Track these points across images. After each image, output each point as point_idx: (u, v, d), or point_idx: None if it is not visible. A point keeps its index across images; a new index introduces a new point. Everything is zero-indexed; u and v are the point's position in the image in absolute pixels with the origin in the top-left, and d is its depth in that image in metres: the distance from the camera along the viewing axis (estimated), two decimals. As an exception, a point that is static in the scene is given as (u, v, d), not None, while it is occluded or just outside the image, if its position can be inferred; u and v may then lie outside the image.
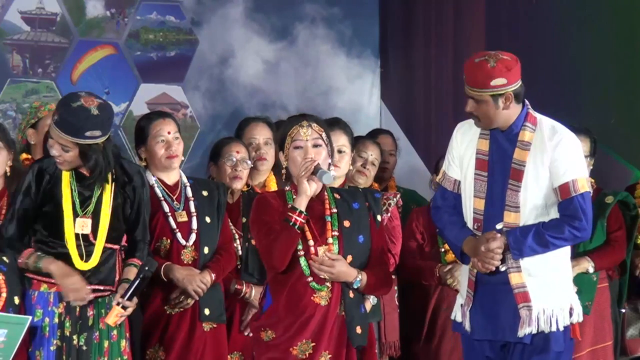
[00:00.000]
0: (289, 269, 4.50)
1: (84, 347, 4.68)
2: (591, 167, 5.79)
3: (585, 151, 5.69)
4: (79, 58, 7.77)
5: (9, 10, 7.61)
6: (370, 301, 5.30)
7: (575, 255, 5.66)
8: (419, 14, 8.19)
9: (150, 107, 7.72)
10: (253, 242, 5.20)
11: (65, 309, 4.66)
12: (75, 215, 4.68)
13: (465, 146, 4.76)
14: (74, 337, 4.67)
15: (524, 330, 4.59)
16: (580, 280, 5.65)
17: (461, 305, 4.78)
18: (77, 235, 4.68)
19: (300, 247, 4.52)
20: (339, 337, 4.53)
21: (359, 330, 4.57)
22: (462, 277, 4.87)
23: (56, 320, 4.64)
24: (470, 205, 4.70)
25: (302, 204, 4.49)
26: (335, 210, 4.61)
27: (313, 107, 8.12)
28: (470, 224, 4.71)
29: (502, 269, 4.61)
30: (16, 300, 4.58)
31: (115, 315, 4.70)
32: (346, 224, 4.59)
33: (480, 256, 4.57)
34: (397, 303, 5.91)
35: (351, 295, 4.57)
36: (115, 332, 4.78)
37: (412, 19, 8.25)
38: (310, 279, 4.51)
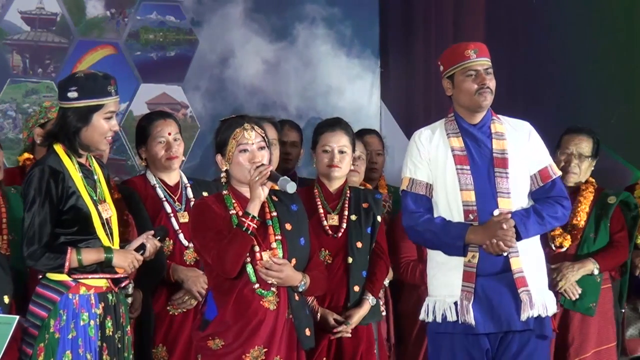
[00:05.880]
0: (235, 276, 4.43)
1: (119, 345, 4.68)
2: (592, 168, 5.79)
3: (587, 152, 5.72)
4: (79, 58, 7.76)
5: (9, 10, 7.61)
6: (370, 302, 5.31)
7: (580, 257, 5.68)
8: (419, 14, 8.19)
9: (150, 107, 7.71)
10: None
11: (104, 309, 4.63)
12: (95, 203, 4.64)
13: (434, 148, 4.79)
14: (116, 336, 4.67)
15: (526, 314, 4.63)
16: (585, 282, 5.65)
17: (455, 302, 4.71)
18: (102, 222, 4.64)
19: None
20: (289, 340, 4.49)
21: (307, 332, 4.54)
22: (444, 276, 4.78)
23: (98, 321, 4.62)
24: (457, 200, 4.71)
25: (255, 209, 4.42)
26: (275, 214, 4.55)
27: (313, 107, 8.15)
28: (459, 218, 4.71)
29: (505, 253, 4.64)
30: (6, 299, 4.56)
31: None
32: (287, 227, 4.54)
33: (499, 236, 4.58)
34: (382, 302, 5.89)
35: (297, 298, 4.53)
36: (129, 328, 4.78)
37: (412, 19, 8.25)
38: (256, 285, 4.45)
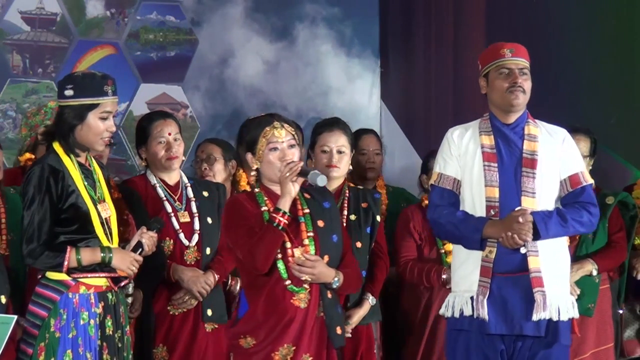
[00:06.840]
0: (267, 273, 4.43)
1: (119, 345, 4.68)
2: (590, 168, 5.79)
3: (585, 151, 5.72)
4: (79, 58, 7.78)
5: (9, 10, 7.63)
6: (370, 302, 5.31)
7: (578, 258, 5.68)
8: (419, 14, 8.20)
9: (150, 107, 7.73)
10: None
11: (104, 308, 4.63)
12: (94, 202, 4.63)
13: (465, 145, 4.82)
14: (116, 335, 4.67)
15: (538, 315, 4.63)
16: (583, 283, 5.65)
17: (472, 297, 4.72)
18: (102, 221, 4.64)
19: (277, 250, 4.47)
20: (320, 338, 4.48)
21: (339, 330, 4.52)
22: (464, 271, 4.82)
23: (98, 320, 4.62)
24: (481, 195, 4.74)
25: (286, 205, 4.43)
26: (307, 211, 4.55)
27: (313, 107, 8.16)
28: (481, 213, 4.73)
29: (523, 251, 4.66)
30: (2, 299, 4.56)
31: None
32: (320, 224, 4.54)
33: (516, 229, 4.60)
34: None
35: (329, 295, 4.52)
36: (128, 328, 4.78)
37: (412, 19, 8.26)
38: (288, 282, 4.44)
